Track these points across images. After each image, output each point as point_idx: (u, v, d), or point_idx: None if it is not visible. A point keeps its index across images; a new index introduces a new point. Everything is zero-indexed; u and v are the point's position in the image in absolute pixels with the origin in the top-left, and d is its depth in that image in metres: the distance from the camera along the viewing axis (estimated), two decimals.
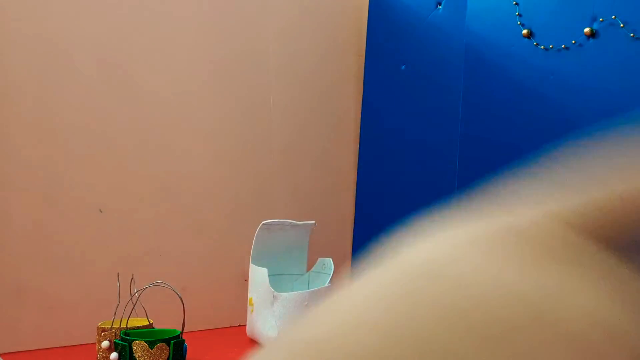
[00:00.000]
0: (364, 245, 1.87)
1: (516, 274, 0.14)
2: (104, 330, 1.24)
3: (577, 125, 1.62)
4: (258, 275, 1.38)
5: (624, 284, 0.15)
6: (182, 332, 1.21)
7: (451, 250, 0.15)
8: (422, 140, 2.01)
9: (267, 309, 1.34)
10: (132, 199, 1.64)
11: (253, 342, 1.42)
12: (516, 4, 1.72)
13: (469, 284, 0.14)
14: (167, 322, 1.30)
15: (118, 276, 1.29)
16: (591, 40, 1.58)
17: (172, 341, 1.16)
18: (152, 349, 1.14)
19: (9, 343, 1.42)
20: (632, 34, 1.51)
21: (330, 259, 1.47)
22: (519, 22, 1.71)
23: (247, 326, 1.44)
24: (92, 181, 1.59)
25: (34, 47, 1.46)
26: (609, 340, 0.13)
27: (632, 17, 1.52)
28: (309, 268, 1.52)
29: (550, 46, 1.65)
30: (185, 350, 1.20)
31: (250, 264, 1.44)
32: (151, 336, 1.18)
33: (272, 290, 1.34)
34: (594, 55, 1.57)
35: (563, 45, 1.63)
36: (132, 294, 1.27)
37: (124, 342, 1.16)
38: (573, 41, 1.61)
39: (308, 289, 1.45)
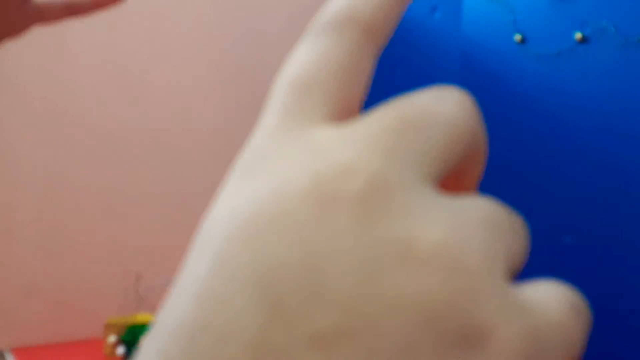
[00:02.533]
0: None
1: None
2: (111, 325, 1.25)
3: (569, 129, 1.64)
4: None
5: None
6: None
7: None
8: None
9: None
10: (139, 199, 1.64)
11: None
12: (510, 10, 1.73)
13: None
14: None
15: (125, 274, 1.31)
16: (583, 45, 1.59)
17: None
18: None
19: (19, 338, 1.43)
20: (623, 39, 1.53)
21: None
22: (513, 28, 1.73)
23: None
24: (100, 181, 1.60)
25: (38, 47, 1.46)
26: None
27: (623, 23, 1.53)
28: None
29: (543, 52, 1.67)
30: None
31: None
32: None
33: None
34: (586, 60, 1.59)
35: (556, 51, 1.64)
36: (139, 291, 1.28)
37: (130, 338, 1.18)
38: (565, 46, 1.62)
39: None
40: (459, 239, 0.12)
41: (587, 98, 1.59)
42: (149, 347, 0.13)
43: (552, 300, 0.13)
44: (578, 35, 1.59)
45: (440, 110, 0.14)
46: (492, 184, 1.78)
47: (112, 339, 1.23)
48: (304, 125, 0.14)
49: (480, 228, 0.13)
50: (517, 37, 1.70)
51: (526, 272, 1.69)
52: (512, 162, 1.73)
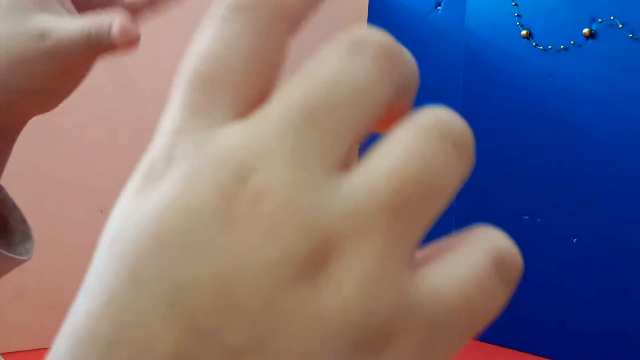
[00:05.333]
0: None
1: None
2: None
3: (575, 125, 1.63)
4: None
5: None
6: None
7: None
8: None
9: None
10: None
11: None
12: (515, 4, 1.72)
13: None
14: None
15: None
16: (590, 40, 1.58)
17: None
18: None
19: (10, 342, 1.42)
20: (630, 35, 1.52)
21: None
22: (518, 23, 1.72)
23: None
24: (93, 181, 1.59)
25: None
26: None
27: (630, 18, 1.53)
28: None
29: (549, 47, 1.65)
30: None
31: None
32: None
33: None
34: (593, 55, 1.58)
35: (562, 46, 1.63)
36: None
37: None
38: (572, 42, 1.61)
39: None
40: None
41: (594, 93, 1.58)
42: (59, 355, 0.13)
43: (464, 274, 0.13)
44: (585, 31, 1.57)
45: (348, 81, 0.13)
46: (498, 180, 1.76)
47: None
48: (212, 125, 0.14)
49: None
50: (523, 32, 1.68)
51: (531, 269, 1.67)
52: (517, 157, 1.72)
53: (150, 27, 1.51)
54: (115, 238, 0.14)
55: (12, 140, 0.41)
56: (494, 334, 1.72)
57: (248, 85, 0.14)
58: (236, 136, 0.13)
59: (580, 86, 1.61)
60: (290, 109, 0.13)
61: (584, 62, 1.60)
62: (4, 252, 0.38)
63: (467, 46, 1.86)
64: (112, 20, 0.34)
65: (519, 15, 1.72)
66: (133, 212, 0.14)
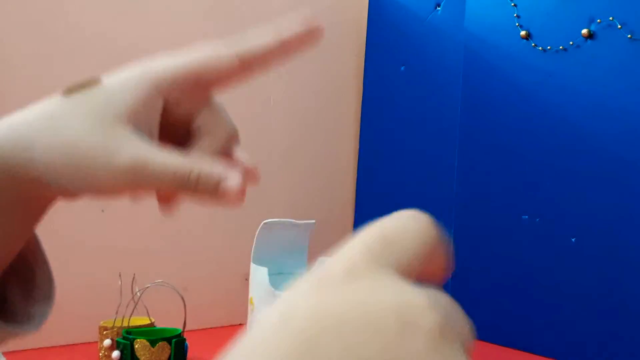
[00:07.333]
0: None
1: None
2: (106, 329, 1.25)
3: (574, 125, 1.63)
4: (258, 274, 1.39)
5: None
6: (183, 331, 1.22)
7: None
8: (421, 140, 2.02)
9: (268, 308, 1.35)
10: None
11: None
12: (514, 5, 1.72)
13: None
14: (168, 321, 1.31)
15: (120, 275, 1.30)
16: (589, 41, 1.59)
17: (174, 340, 1.17)
18: (153, 348, 1.15)
19: (11, 341, 1.43)
20: (629, 35, 1.52)
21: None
22: (517, 24, 1.72)
23: (247, 325, 1.44)
24: None
25: (36, 47, 1.46)
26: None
27: (629, 18, 1.53)
28: (309, 268, 1.53)
29: (549, 47, 1.66)
30: (187, 349, 1.21)
31: (251, 264, 1.44)
32: (153, 335, 1.19)
33: (273, 289, 1.35)
34: (592, 56, 1.58)
35: (561, 47, 1.63)
36: (134, 293, 1.27)
37: (125, 341, 1.17)
38: (571, 42, 1.61)
39: None
40: None
41: (593, 93, 1.58)
42: None
43: None
44: (584, 31, 1.58)
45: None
46: (497, 180, 1.77)
47: (107, 342, 1.22)
48: (382, 268, 0.18)
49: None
50: (523, 32, 1.68)
51: (530, 269, 1.68)
52: (516, 157, 1.72)
53: (154, 30, 1.52)
54: (287, 315, 0.16)
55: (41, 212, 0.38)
56: (494, 334, 1.73)
57: (408, 259, 0.19)
58: (403, 281, 0.18)
59: (580, 86, 1.61)
60: (438, 298, 0.18)
61: (583, 63, 1.61)
62: (4, 326, 0.34)
63: (466, 46, 1.86)
64: (227, 174, 0.32)
65: (518, 16, 1.73)
66: (309, 299, 0.17)
